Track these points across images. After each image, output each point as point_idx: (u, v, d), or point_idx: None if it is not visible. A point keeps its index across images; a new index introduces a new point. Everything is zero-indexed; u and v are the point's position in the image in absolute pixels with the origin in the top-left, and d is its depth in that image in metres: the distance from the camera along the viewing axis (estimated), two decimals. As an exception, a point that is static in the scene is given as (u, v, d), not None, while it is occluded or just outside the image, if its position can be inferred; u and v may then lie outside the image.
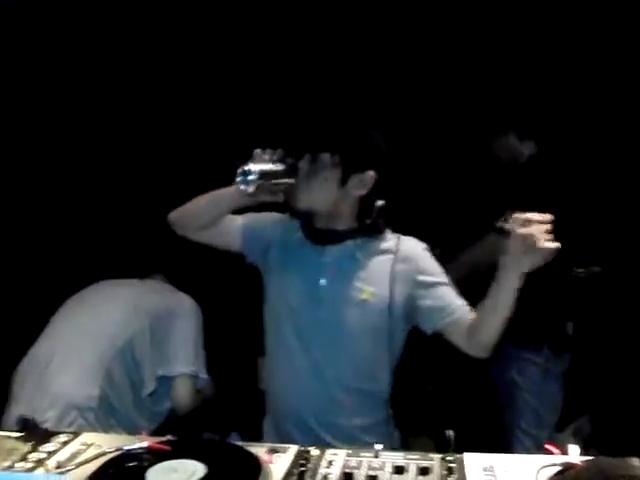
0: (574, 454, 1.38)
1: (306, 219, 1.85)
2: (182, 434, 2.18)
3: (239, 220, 1.93)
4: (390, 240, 1.85)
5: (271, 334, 1.91)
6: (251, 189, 1.69)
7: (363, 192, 1.79)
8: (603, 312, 3.00)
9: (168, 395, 2.34)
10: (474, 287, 1.89)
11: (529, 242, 1.52)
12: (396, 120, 2.93)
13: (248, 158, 1.72)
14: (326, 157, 1.75)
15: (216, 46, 3.16)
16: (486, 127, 2.81)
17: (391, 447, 1.73)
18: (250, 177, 1.68)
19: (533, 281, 2.62)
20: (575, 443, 3.02)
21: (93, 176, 3.21)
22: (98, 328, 2.22)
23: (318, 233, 1.83)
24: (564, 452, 1.40)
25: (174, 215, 1.93)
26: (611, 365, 3.00)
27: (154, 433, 2.28)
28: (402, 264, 1.81)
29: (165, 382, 2.32)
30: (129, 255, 2.60)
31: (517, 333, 2.67)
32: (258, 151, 1.75)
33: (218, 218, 1.89)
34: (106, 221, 3.18)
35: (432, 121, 3.16)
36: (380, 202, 1.80)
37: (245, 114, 3.17)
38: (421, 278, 1.81)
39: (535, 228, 1.53)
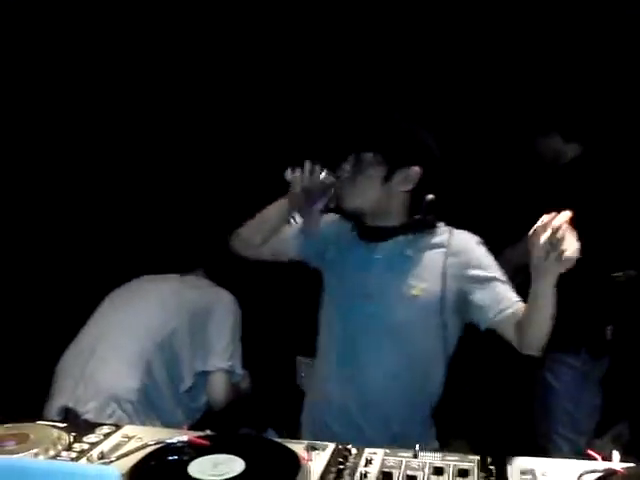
0: (616, 460, 1.36)
1: (357, 218, 1.85)
2: (220, 429, 2.21)
3: (295, 228, 1.97)
4: (443, 234, 1.82)
5: (324, 331, 1.92)
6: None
7: (409, 188, 1.77)
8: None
9: (205, 390, 2.37)
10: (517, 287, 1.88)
11: (553, 248, 1.49)
12: (443, 118, 2.90)
13: (290, 154, 1.75)
14: (368, 156, 1.75)
15: (254, 49, 3.18)
16: (532, 127, 2.77)
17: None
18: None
19: (571, 285, 2.61)
20: (614, 448, 2.98)
21: (135, 173, 3.26)
22: (139, 323, 2.26)
23: (369, 231, 1.83)
24: (606, 458, 1.38)
25: (236, 241, 1.99)
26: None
27: (191, 428, 2.35)
28: (454, 258, 1.79)
29: (202, 377, 2.34)
30: (170, 251, 2.63)
31: (555, 336, 2.67)
32: (292, 179, 1.79)
33: (277, 229, 1.95)
34: (148, 216, 3.22)
35: (478, 120, 3.11)
36: (430, 196, 1.77)
37: (288, 109, 3.17)
38: (473, 272, 1.78)
39: (557, 233, 1.49)
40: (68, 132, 3.24)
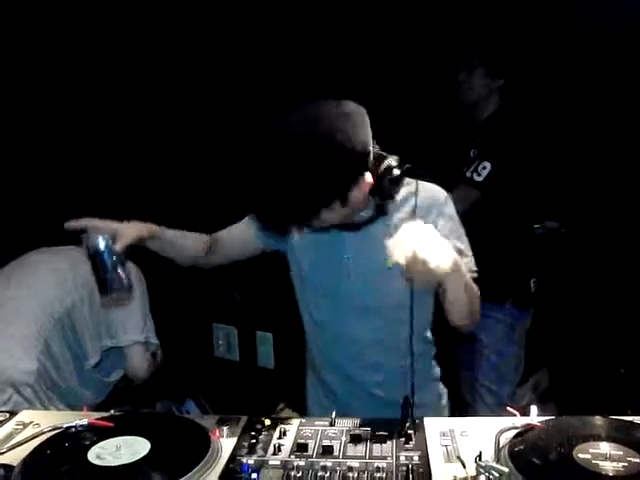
0: (534, 415, 1.34)
1: None
2: (136, 404, 2.10)
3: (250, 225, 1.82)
4: (410, 193, 1.64)
5: (305, 309, 1.82)
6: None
7: (367, 189, 1.54)
8: (562, 267, 2.99)
9: (116, 364, 2.24)
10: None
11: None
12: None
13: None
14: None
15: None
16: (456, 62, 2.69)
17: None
18: None
19: (495, 238, 2.63)
20: (533, 397, 3.05)
21: (24, 140, 3.01)
22: (34, 299, 2.08)
23: (339, 225, 1.63)
24: (524, 413, 1.36)
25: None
26: (572, 320, 3.01)
27: (104, 404, 2.24)
28: (423, 219, 1.57)
29: (112, 351, 2.21)
30: (65, 221, 2.43)
31: (482, 288, 2.67)
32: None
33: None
34: (38, 187, 2.99)
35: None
36: (396, 172, 1.54)
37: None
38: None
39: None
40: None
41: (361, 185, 1.51)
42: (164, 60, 3.03)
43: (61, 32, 2.87)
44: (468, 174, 2.57)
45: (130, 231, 1.65)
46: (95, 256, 1.60)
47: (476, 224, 2.58)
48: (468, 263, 1.68)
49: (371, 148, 1.51)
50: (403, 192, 1.64)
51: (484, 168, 2.53)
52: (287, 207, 1.43)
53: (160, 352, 2.34)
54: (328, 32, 2.83)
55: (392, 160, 1.56)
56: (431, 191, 1.68)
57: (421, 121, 2.88)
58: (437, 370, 1.89)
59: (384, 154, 1.57)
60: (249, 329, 3.03)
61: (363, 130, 1.47)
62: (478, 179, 2.54)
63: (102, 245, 1.59)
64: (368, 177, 1.52)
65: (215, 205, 2.90)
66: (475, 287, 1.64)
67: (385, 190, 1.56)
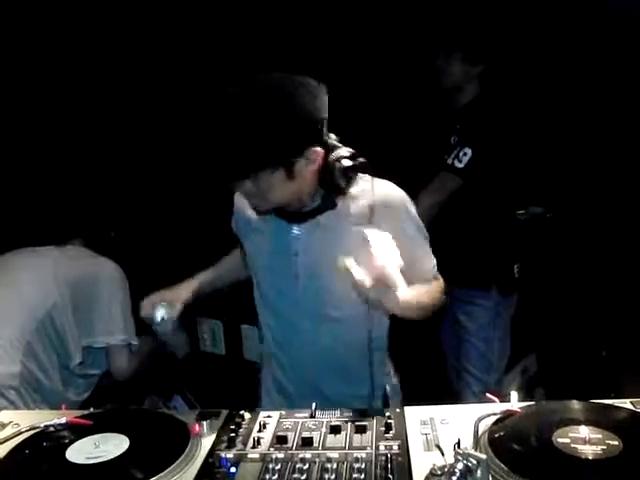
0: (514, 401, 1.34)
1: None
2: (122, 402, 2.09)
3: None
4: (364, 192, 1.56)
5: (259, 304, 1.79)
6: None
7: (316, 167, 1.50)
8: (547, 252, 3.00)
9: (99, 362, 2.24)
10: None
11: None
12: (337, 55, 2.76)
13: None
14: (265, 173, 1.44)
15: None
16: (436, 47, 2.67)
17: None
18: None
19: (478, 224, 2.63)
20: (522, 382, 3.05)
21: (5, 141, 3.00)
22: (15, 301, 2.06)
23: (286, 214, 1.61)
24: (505, 399, 1.36)
25: None
26: (556, 304, 3.01)
27: (90, 402, 2.23)
28: (380, 218, 1.53)
29: (94, 351, 2.20)
30: (44, 221, 2.41)
31: (465, 275, 2.68)
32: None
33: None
34: (18, 186, 2.96)
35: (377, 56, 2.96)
36: (346, 163, 1.49)
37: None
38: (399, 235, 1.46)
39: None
40: None
41: (309, 158, 1.46)
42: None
43: (61, 32, 2.87)
44: (449, 161, 2.55)
45: (181, 296, 1.80)
46: (156, 327, 1.77)
47: (459, 211, 2.62)
48: (428, 269, 1.64)
49: (325, 123, 1.47)
50: (358, 188, 1.56)
51: (465, 154, 2.53)
52: (238, 153, 1.41)
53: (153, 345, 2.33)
54: (306, 23, 2.82)
55: (344, 151, 1.51)
56: (388, 190, 1.60)
57: (401, 109, 2.88)
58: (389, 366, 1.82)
59: (338, 145, 1.52)
60: (234, 322, 3.01)
61: (319, 103, 1.45)
62: (459, 165, 2.53)
63: (159, 316, 1.76)
64: (318, 151, 1.47)
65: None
66: (428, 289, 1.59)
67: (334, 180, 1.51)
